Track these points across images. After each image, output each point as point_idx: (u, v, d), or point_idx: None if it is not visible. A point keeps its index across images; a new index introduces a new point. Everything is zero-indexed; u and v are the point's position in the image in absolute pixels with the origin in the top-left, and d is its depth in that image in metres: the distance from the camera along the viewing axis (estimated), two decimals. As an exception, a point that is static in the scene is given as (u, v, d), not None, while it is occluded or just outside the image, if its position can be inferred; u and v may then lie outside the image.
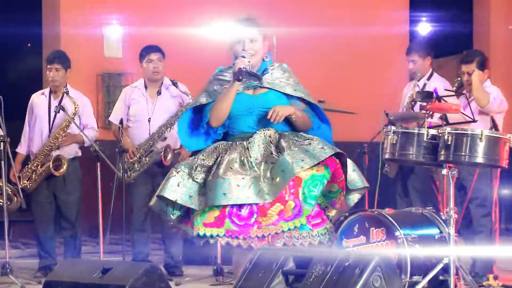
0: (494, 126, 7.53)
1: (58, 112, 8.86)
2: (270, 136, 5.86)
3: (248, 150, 5.79)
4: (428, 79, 8.75)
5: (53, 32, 11.66)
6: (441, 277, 6.79)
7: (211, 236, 5.70)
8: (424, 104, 7.02)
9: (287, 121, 5.95)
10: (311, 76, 9.41)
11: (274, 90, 5.99)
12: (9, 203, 9.50)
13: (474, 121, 7.40)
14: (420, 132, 6.95)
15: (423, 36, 12.47)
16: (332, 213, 5.84)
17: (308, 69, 9.93)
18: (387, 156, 7.15)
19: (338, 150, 5.84)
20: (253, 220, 5.69)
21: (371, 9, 12.63)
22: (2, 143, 8.43)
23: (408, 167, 8.49)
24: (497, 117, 8.00)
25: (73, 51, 9.52)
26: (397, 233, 6.87)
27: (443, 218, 6.99)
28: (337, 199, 5.83)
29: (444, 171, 6.83)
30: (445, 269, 6.73)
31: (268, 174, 5.70)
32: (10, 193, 9.05)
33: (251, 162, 5.74)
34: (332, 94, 9.28)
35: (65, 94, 8.90)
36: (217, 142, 6.00)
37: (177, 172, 5.81)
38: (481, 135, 6.72)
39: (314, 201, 5.72)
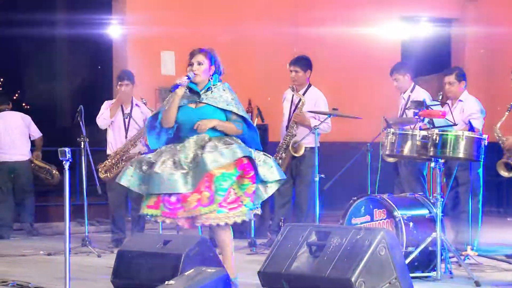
0: (471, 128, 7.48)
1: (128, 118, 8.92)
2: (202, 141, 6.02)
3: (179, 152, 5.98)
4: (411, 91, 8.67)
5: (120, 65, 11.71)
6: (430, 248, 6.74)
7: (152, 215, 5.96)
8: (417, 111, 7.00)
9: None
10: (327, 86, 9.40)
11: (210, 104, 6.14)
12: (51, 178, 9.92)
13: (455, 124, 7.37)
14: (413, 133, 6.93)
15: (402, 60, 12.36)
16: (246, 200, 5.94)
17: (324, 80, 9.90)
18: (387, 152, 7.13)
19: (247, 154, 5.97)
20: (179, 205, 5.89)
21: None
22: (82, 142, 8.51)
23: (402, 162, 8.45)
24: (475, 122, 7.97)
25: (138, 72, 9.58)
26: (395, 213, 6.82)
27: (432, 201, 6.96)
28: (248, 190, 5.95)
29: (433, 164, 6.80)
30: (433, 242, 6.69)
31: (193, 169, 5.89)
32: (49, 169, 9.68)
33: (181, 162, 5.91)
34: (342, 102, 9.21)
35: (135, 105, 9.06)
36: (166, 145, 6.19)
37: (131, 166, 6.03)
38: (462, 135, 6.70)
39: (223, 192, 5.87)
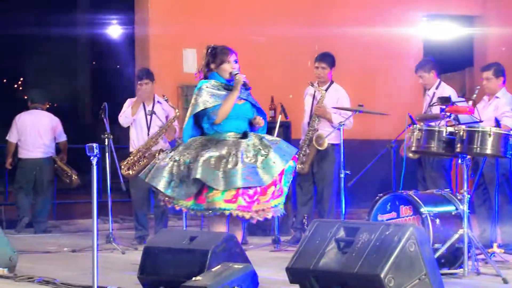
0: (498, 125, 7.40)
1: (151, 115, 8.91)
2: (253, 136, 6.13)
3: (249, 147, 6.02)
4: (436, 88, 8.61)
5: (143, 63, 11.67)
6: (456, 245, 6.65)
7: (226, 209, 5.89)
8: (443, 107, 6.93)
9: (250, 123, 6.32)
10: (349, 84, 9.34)
11: (248, 101, 6.27)
12: (69, 181, 10.11)
13: (480, 121, 7.28)
14: (440, 129, 6.85)
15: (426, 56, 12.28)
16: (285, 193, 6.10)
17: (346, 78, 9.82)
18: (413, 149, 7.04)
19: (295, 148, 6.22)
20: (255, 198, 5.92)
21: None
22: (106, 139, 8.50)
23: (425, 158, 8.38)
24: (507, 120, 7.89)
25: (160, 70, 9.56)
26: (422, 210, 6.75)
27: (459, 198, 6.88)
28: (289, 183, 6.13)
29: (460, 161, 6.72)
30: (460, 239, 6.61)
31: (260, 164, 5.94)
32: (69, 174, 9.87)
33: (252, 156, 5.97)
34: (364, 100, 9.13)
35: (157, 102, 9.04)
36: (211, 138, 6.16)
37: (203, 162, 5.90)
38: (490, 131, 6.62)
39: (288, 184, 6.08)
